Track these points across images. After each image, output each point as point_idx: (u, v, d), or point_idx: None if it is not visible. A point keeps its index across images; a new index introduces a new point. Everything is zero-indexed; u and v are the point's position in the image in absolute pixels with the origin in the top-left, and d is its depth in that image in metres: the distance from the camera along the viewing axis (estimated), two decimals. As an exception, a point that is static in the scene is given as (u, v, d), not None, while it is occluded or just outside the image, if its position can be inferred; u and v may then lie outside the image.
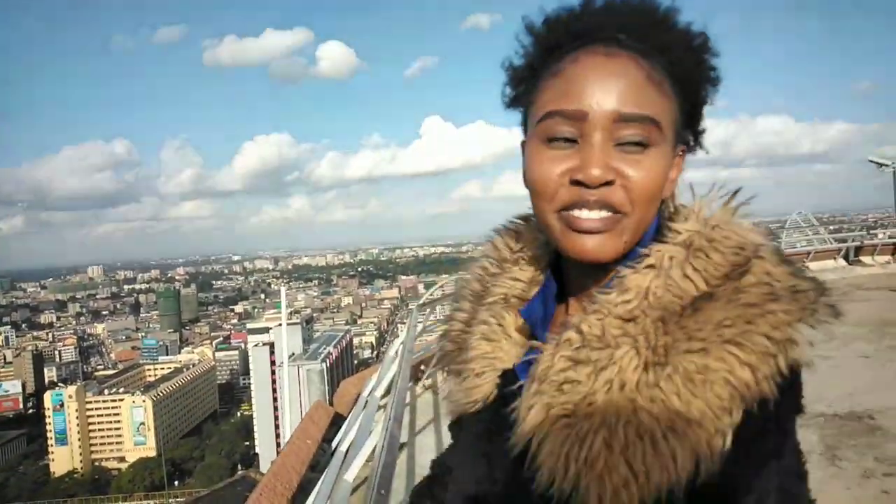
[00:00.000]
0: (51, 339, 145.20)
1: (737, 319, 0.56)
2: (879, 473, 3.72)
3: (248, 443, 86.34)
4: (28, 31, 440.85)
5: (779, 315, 0.56)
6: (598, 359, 0.59)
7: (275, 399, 76.92)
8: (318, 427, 5.01)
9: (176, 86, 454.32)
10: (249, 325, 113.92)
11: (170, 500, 70.78)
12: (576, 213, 0.62)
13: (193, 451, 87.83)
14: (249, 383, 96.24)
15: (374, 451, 2.59)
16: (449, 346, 0.80)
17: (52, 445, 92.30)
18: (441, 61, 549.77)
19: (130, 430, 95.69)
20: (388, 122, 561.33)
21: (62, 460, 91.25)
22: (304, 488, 3.80)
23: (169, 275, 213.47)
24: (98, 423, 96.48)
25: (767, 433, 0.56)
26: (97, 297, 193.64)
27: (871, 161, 20.90)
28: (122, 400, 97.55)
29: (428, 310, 7.41)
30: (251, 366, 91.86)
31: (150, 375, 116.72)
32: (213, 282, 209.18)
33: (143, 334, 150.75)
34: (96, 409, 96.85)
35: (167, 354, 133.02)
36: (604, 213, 0.61)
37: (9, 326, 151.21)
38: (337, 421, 5.18)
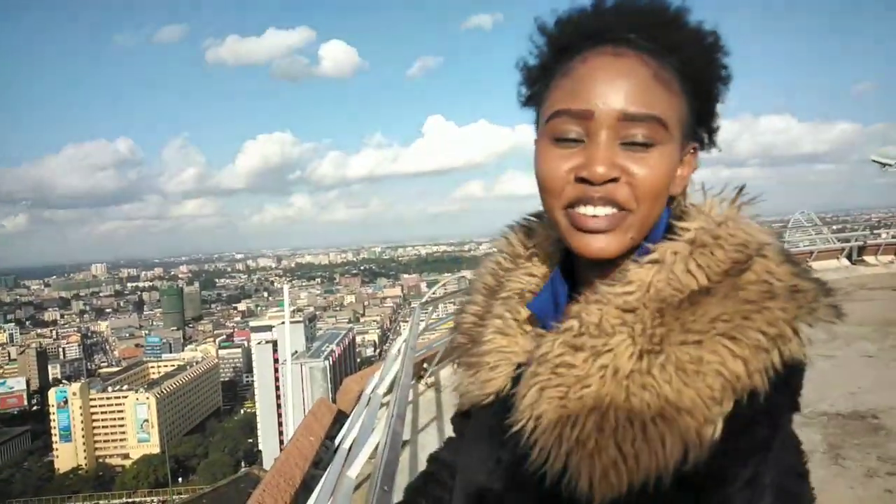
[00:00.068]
0: (55, 336, 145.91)
1: (733, 314, 0.57)
2: (882, 473, 3.72)
3: (251, 440, 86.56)
4: (31, 30, 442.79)
5: (775, 312, 0.57)
6: (594, 345, 0.61)
7: (278, 396, 77.20)
8: (322, 424, 5.01)
9: (178, 84, 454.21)
10: (252, 323, 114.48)
11: (173, 497, 71.02)
12: (581, 209, 0.63)
13: (197, 448, 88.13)
14: (252, 381, 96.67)
15: (376, 448, 2.59)
16: (461, 338, 0.80)
17: (56, 442, 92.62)
18: (443, 61, 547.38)
19: (134, 427, 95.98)
20: (390, 121, 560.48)
21: (66, 457, 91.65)
22: (308, 485, 3.81)
23: (172, 273, 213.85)
24: (102, 420, 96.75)
25: (757, 425, 0.57)
26: (101, 294, 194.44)
27: (875, 161, 20.74)
28: (125, 397, 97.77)
29: (430, 308, 7.39)
30: (254, 363, 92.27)
31: (153, 373, 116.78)
32: (216, 280, 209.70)
33: (147, 332, 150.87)
34: (100, 406, 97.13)
35: (171, 352, 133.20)
36: (609, 210, 0.62)
37: (13, 324, 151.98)
38: (340, 418, 5.18)
